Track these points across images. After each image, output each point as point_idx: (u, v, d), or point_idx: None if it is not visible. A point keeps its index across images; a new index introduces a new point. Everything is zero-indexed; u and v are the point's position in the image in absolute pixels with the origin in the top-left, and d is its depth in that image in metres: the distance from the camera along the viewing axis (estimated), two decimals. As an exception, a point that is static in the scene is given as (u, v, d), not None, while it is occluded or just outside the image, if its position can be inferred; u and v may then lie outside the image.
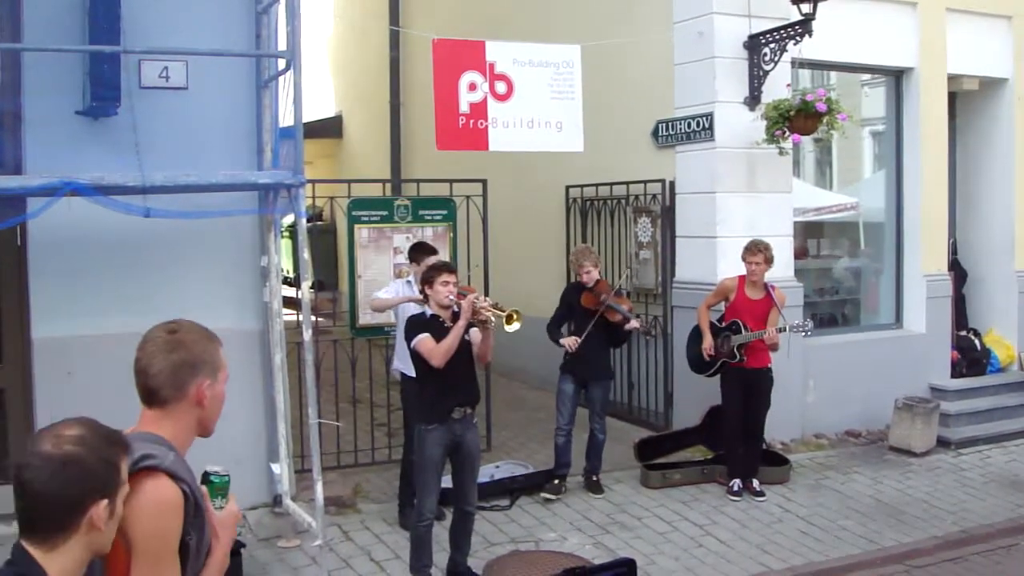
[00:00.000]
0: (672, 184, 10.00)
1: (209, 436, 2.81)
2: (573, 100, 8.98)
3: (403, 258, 8.91)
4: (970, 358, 11.10)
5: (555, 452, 8.43)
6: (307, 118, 17.03)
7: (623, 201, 10.58)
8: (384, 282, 8.53)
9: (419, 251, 7.90)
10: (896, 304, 11.00)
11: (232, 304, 7.73)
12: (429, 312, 6.69)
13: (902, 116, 10.85)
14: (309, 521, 7.10)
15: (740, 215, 9.58)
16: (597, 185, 10.87)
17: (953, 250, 11.61)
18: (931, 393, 10.56)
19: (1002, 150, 11.38)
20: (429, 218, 9.13)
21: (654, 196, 10.13)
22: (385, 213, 8.97)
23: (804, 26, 8.95)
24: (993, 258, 11.55)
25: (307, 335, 6.85)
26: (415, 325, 6.58)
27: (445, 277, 6.70)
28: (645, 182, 10.16)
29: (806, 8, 8.90)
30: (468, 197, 9.24)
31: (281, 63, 7.14)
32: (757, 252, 8.24)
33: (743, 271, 8.43)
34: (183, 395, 2.66)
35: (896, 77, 10.86)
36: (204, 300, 7.56)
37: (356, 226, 8.87)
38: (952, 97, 11.42)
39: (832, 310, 11.22)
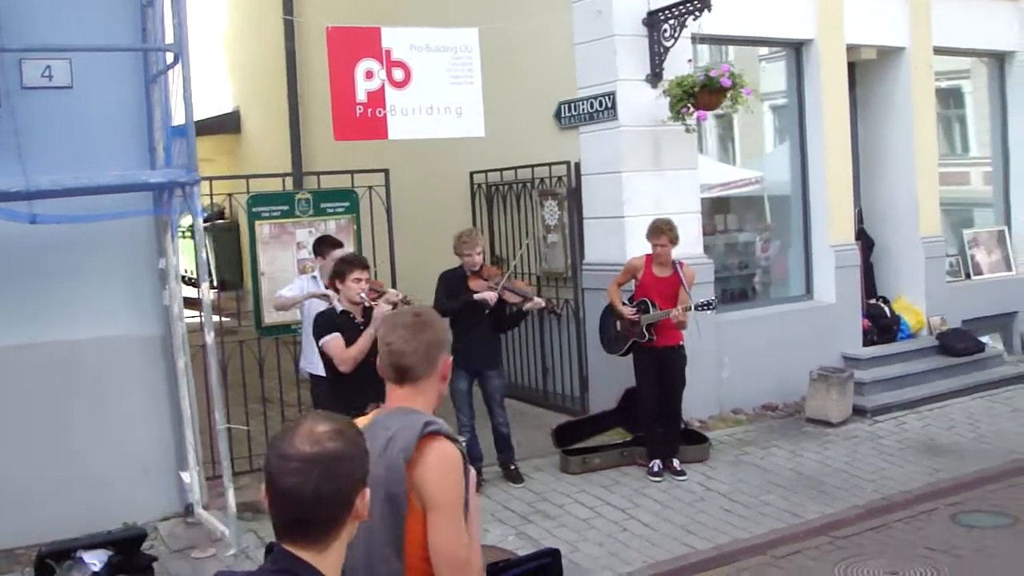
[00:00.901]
0: (577, 165, 9.87)
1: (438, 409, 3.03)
2: (472, 84, 8.80)
3: (307, 253, 8.67)
4: (880, 325, 11.19)
5: (467, 449, 8.24)
6: (203, 114, 16.93)
7: (528, 185, 10.43)
8: (288, 279, 8.27)
9: (324, 244, 7.68)
10: (806, 276, 11.02)
11: (130, 309, 7.45)
12: (339, 307, 6.47)
13: (803, 88, 10.85)
14: (222, 530, 6.88)
15: (647, 194, 9.48)
16: (501, 170, 10.72)
17: (859, 219, 11.68)
18: (844, 362, 10.61)
19: (902, 119, 11.47)
20: (331, 211, 8.88)
21: (559, 178, 9.99)
22: (286, 208, 8.70)
23: (703, 1, 8.87)
24: (899, 226, 11.64)
25: (209, 338, 6.62)
26: (324, 323, 6.37)
27: (358, 273, 6.54)
28: (550, 164, 10.01)
29: (705, -19, 8.83)
30: (370, 188, 9.00)
31: (169, 57, 6.85)
32: (661, 234, 8.13)
33: (647, 250, 8.36)
34: (433, 370, 2.93)
35: (796, 49, 10.86)
36: (99, 306, 7.31)
37: (257, 222, 8.60)
38: (851, 67, 11.46)
39: (743, 285, 11.19)
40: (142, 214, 6.82)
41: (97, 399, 7.36)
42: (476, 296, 7.90)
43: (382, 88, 8.45)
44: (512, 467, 8.32)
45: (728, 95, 8.88)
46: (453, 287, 8.08)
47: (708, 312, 8.25)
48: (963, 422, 9.78)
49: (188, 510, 7.66)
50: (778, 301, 11.05)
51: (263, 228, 8.60)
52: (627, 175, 9.43)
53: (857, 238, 11.36)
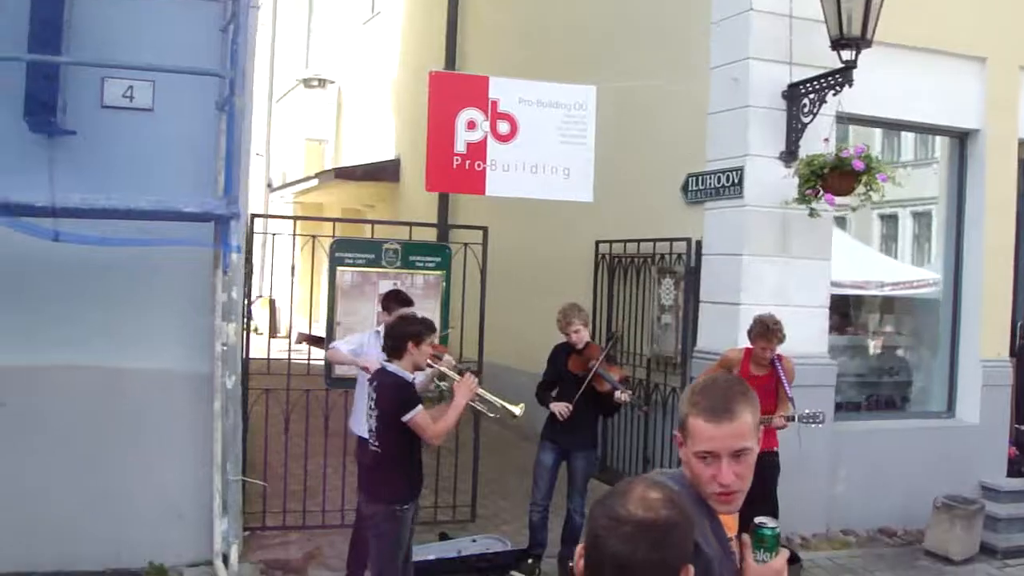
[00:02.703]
0: (699, 244, 9.11)
1: None
2: (584, 145, 8.20)
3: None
4: (1030, 456, 9.91)
5: (529, 530, 7.59)
6: (367, 159, 16.83)
7: (649, 260, 9.73)
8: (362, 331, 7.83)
9: (392, 300, 7.19)
10: (948, 391, 9.86)
11: (181, 344, 7.15)
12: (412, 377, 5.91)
13: (964, 183, 9.79)
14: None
15: (768, 281, 8.65)
16: (625, 241, 10.05)
17: (1020, 334, 10.44)
18: (981, 492, 9.40)
19: (1077, 227, 10.19)
20: (421, 264, 8.43)
21: (679, 256, 9.26)
22: (371, 256, 8.30)
23: (844, 75, 8.05)
24: (1066, 345, 10.34)
25: (230, 382, 6.22)
26: (412, 396, 5.77)
27: (433, 338, 6.04)
28: (671, 240, 9.29)
29: (847, 55, 8.02)
30: (466, 244, 8.51)
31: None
32: (769, 338, 7.29)
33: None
34: None
35: (960, 140, 9.82)
36: (150, 337, 7.06)
37: (339, 268, 8.22)
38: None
39: (874, 392, 10.11)
40: (172, 244, 6.43)
41: (136, 432, 7.10)
42: (552, 407, 7.48)
43: (484, 140, 7.96)
44: (571, 564, 7.55)
45: (861, 180, 8.00)
46: (557, 363, 7.72)
47: (812, 426, 7.34)
48: (1111, 579, 8.47)
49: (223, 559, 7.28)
50: (912, 415, 9.92)
51: (344, 276, 8.21)
52: (748, 259, 8.62)
53: (1015, 355, 10.14)
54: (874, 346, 10.13)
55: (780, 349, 8.06)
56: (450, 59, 15.07)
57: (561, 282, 11.41)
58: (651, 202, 9.89)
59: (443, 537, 8.13)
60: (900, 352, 10.25)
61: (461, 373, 6.99)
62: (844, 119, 8.99)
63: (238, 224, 6.53)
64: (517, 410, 6.39)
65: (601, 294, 10.53)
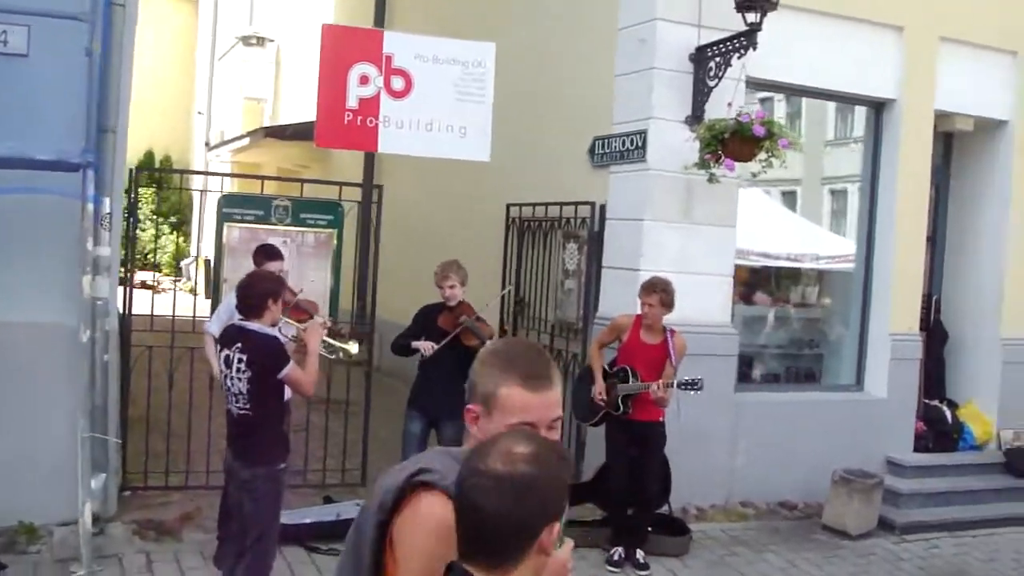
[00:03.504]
0: (603, 208, 8.92)
1: None
2: (482, 104, 7.96)
3: (276, 266, 8.04)
4: (939, 431, 9.80)
5: None
6: (303, 119, 16.48)
7: (556, 224, 9.54)
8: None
9: (261, 255, 6.97)
10: (857, 364, 9.74)
11: (51, 297, 6.90)
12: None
13: (880, 153, 9.63)
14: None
15: (670, 247, 8.48)
16: (534, 205, 9.84)
17: (936, 308, 10.36)
18: (887, 467, 9.31)
19: (997, 201, 10.04)
20: (312, 222, 8.22)
21: (583, 220, 9.07)
22: (261, 212, 8.08)
23: (749, 38, 7.85)
24: (979, 321, 10.22)
25: (84, 336, 6.01)
26: (283, 349, 5.62)
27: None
28: (576, 204, 9.10)
29: (751, 17, 7.81)
30: (358, 203, 8.31)
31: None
32: (652, 292, 7.16)
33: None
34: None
35: (876, 110, 9.66)
36: (17, 288, 6.80)
37: (226, 224, 7.99)
38: (947, 138, 10.22)
39: (781, 365, 9.97)
40: (14, 192, 6.16)
41: (6, 387, 6.86)
42: (414, 344, 7.16)
43: (377, 96, 7.72)
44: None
45: (762, 146, 7.83)
46: (424, 320, 7.38)
47: (691, 393, 7.17)
48: (1009, 555, 8.39)
49: (93, 519, 7.07)
50: (819, 388, 9.80)
51: (232, 232, 7.98)
52: (649, 224, 8.44)
53: (928, 329, 10.05)
54: (785, 318, 9.97)
55: (683, 316, 7.97)
56: (379, 16, 14.76)
57: (474, 245, 11.20)
58: (561, 165, 9.70)
59: (327, 501, 7.96)
60: (811, 325, 10.10)
61: (339, 332, 6.88)
62: (756, 85, 8.86)
63: (100, 174, 6.32)
64: (353, 348, 6.27)
65: (511, 258, 10.32)
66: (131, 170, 7.67)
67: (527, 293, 10.07)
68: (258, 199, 8.21)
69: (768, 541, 8.22)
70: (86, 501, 5.96)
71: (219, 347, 5.61)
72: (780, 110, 9.82)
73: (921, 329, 9.95)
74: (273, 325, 5.65)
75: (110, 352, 7.19)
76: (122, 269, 7.69)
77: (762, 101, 9.31)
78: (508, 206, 10.36)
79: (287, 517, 7.30)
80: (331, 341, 6.23)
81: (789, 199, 10.34)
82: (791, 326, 10.03)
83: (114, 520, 7.30)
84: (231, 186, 9.41)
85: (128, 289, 7.78)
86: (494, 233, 10.62)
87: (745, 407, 8.82)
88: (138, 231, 8.17)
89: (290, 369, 5.46)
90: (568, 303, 9.31)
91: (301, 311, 6.80)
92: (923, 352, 9.86)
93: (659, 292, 7.16)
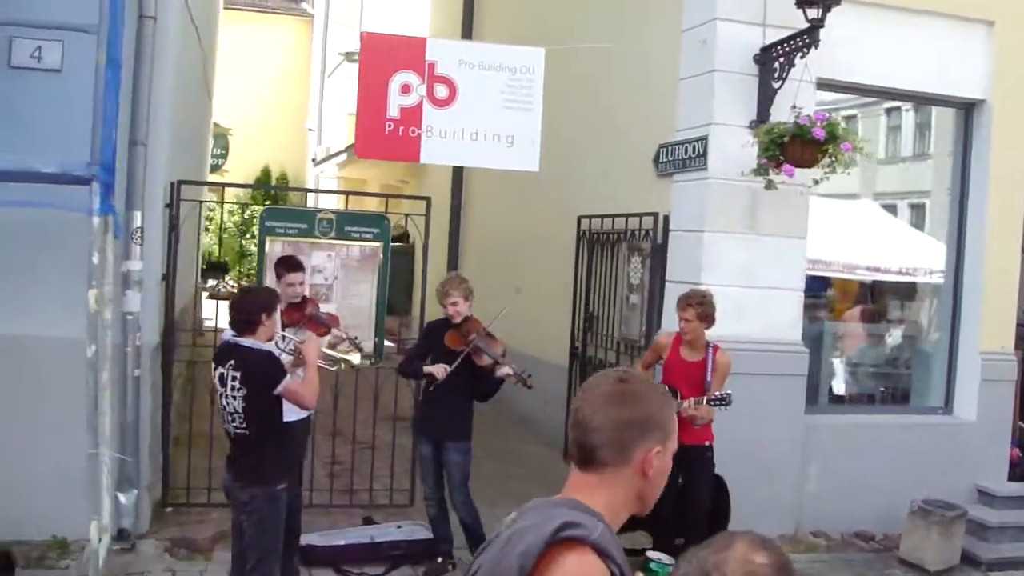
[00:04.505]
0: (667, 219, 8.49)
1: (645, 513, 2.36)
2: (530, 112, 7.68)
3: (321, 278, 7.87)
4: (1036, 459, 9.06)
5: (430, 526, 7.11)
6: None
7: (621, 236, 9.14)
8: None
9: (282, 266, 6.77)
10: (947, 386, 9.05)
11: (66, 312, 6.81)
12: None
13: (968, 159, 8.96)
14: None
15: (733, 259, 8.00)
16: (602, 217, 9.47)
17: (1032, 324, 9.59)
18: (977, 496, 8.62)
19: (1106, 208, 9.23)
20: (357, 235, 8.00)
21: (647, 232, 8.66)
22: (304, 226, 7.90)
23: (811, 35, 7.37)
24: (1086, 338, 9.41)
25: (90, 351, 5.88)
26: (279, 363, 5.44)
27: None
28: (641, 215, 8.70)
29: (812, 13, 7.32)
30: (407, 215, 8.08)
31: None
32: (687, 306, 6.67)
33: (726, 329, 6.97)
34: (625, 460, 2.25)
35: (964, 111, 8.99)
36: (41, 303, 6.77)
37: (269, 238, 7.84)
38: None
39: (860, 385, 9.34)
40: (19, 206, 6.05)
41: (36, 402, 6.84)
42: (426, 369, 6.79)
43: (420, 105, 7.51)
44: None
45: (825, 150, 7.30)
46: (430, 338, 7.02)
47: (723, 408, 6.67)
48: (1108, 598, 7.66)
49: (121, 535, 7.01)
50: (903, 411, 9.14)
51: (275, 246, 7.82)
52: (709, 235, 7.99)
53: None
54: (870, 334, 9.36)
55: (748, 332, 7.52)
56: (467, 27, 14.60)
57: (550, 260, 10.90)
58: (630, 176, 9.30)
59: (367, 521, 7.72)
60: (895, 342, 9.45)
61: (358, 345, 6.67)
62: (828, 86, 8.34)
63: (131, 188, 6.26)
64: (355, 359, 6.02)
65: (581, 272, 9.96)
66: (172, 184, 7.57)
67: (596, 308, 9.70)
68: (302, 212, 8.07)
69: (836, 575, 7.66)
70: (93, 519, 5.82)
71: (213, 365, 5.41)
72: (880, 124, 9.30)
73: (1019, 347, 9.20)
74: (268, 340, 5.44)
75: (142, 367, 7.11)
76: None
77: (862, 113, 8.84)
78: (579, 219, 10.01)
79: (321, 538, 7.15)
80: (331, 352, 6.01)
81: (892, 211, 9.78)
82: (877, 344, 9.40)
83: (147, 537, 7.20)
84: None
85: (169, 302, 7.69)
86: (568, 247, 10.28)
87: (818, 430, 8.28)
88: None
89: (287, 383, 5.26)
90: (632, 319, 8.91)
91: (320, 324, 6.58)
92: (1020, 372, 9.10)
93: (695, 306, 6.68)
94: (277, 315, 5.54)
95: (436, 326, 7.03)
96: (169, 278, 7.66)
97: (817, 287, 9.08)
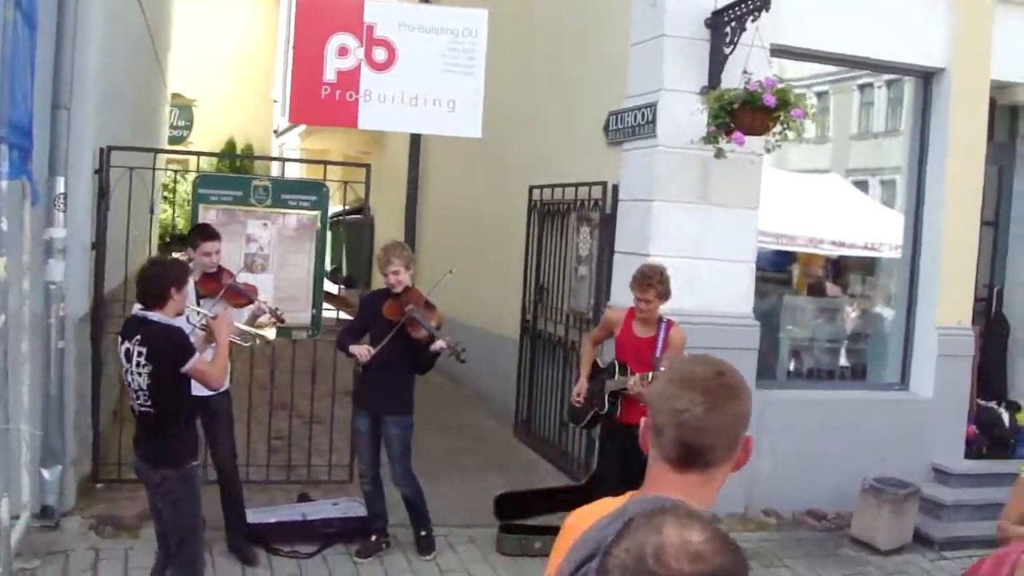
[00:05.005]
0: (615, 188, 8.26)
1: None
2: (472, 76, 7.44)
3: (256, 247, 7.61)
4: (993, 436, 8.86)
5: (365, 502, 6.88)
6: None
7: (571, 206, 8.91)
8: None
9: (197, 235, 6.47)
10: (903, 361, 8.86)
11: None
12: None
13: (927, 130, 8.73)
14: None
15: (683, 231, 7.77)
16: (553, 187, 9.23)
17: (998, 300, 9.40)
18: (933, 474, 8.45)
19: (1069, 183, 9.06)
20: (294, 203, 7.74)
21: (595, 202, 8.43)
22: (239, 193, 7.62)
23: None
24: (1046, 314, 9.24)
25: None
26: (187, 340, 5.17)
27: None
28: (590, 185, 8.47)
29: (764, -25, 7.09)
30: (346, 183, 7.81)
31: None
32: (647, 286, 6.34)
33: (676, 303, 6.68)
34: (732, 455, 2.12)
35: (924, 81, 8.76)
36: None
37: (202, 206, 7.57)
38: (1013, 112, 9.25)
39: (817, 361, 9.15)
40: None
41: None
42: (351, 349, 6.52)
43: (357, 68, 7.25)
44: (422, 533, 6.85)
45: (777, 118, 7.06)
46: (369, 309, 6.74)
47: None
48: (1063, 578, 7.47)
49: (45, 512, 6.77)
50: (856, 386, 8.96)
51: (208, 213, 7.55)
52: (659, 205, 7.76)
53: (988, 322, 9.11)
54: (825, 309, 9.17)
55: (698, 305, 7.31)
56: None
57: (503, 230, 10.67)
58: (581, 144, 9.07)
59: (302, 498, 7.49)
60: (853, 317, 9.26)
61: (281, 317, 6.42)
62: (782, 53, 8.08)
63: (53, 152, 6.03)
64: (270, 334, 5.83)
65: (532, 244, 9.72)
66: (101, 150, 7.29)
67: (547, 281, 9.47)
68: (237, 179, 7.80)
69: (785, 554, 7.48)
70: (3, 495, 5.56)
71: (120, 340, 5.15)
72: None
73: (983, 323, 9.02)
74: (178, 315, 5.18)
75: (66, 339, 6.85)
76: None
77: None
78: (531, 188, 9.77)
79: (252, 515, 6.91)
80: (245, 328, 5.75)
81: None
82: (835, 318, 9.22)
83: (72, 514, 6.96)
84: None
85: (100, 274, 7.42)
86: (522, 219, 10.04)
87: (771, 406, 8.04)
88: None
89: (195, 362, 4.98)
90: (581, 291, 8.68)
91: (238, 295, 6.31)
92: (979, 348, 8.92)
93: (655, 285, 6.37)
94: (189, 289, 5.28)
95: (375, 296, 6.77)
96: (99, 246, 7.39)
97: (781, 261, 8.90)
